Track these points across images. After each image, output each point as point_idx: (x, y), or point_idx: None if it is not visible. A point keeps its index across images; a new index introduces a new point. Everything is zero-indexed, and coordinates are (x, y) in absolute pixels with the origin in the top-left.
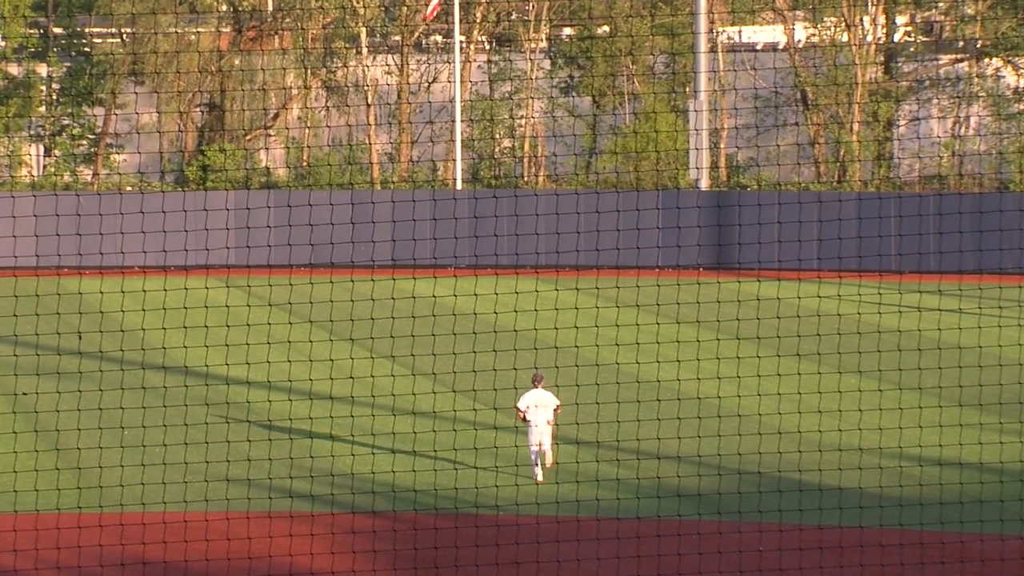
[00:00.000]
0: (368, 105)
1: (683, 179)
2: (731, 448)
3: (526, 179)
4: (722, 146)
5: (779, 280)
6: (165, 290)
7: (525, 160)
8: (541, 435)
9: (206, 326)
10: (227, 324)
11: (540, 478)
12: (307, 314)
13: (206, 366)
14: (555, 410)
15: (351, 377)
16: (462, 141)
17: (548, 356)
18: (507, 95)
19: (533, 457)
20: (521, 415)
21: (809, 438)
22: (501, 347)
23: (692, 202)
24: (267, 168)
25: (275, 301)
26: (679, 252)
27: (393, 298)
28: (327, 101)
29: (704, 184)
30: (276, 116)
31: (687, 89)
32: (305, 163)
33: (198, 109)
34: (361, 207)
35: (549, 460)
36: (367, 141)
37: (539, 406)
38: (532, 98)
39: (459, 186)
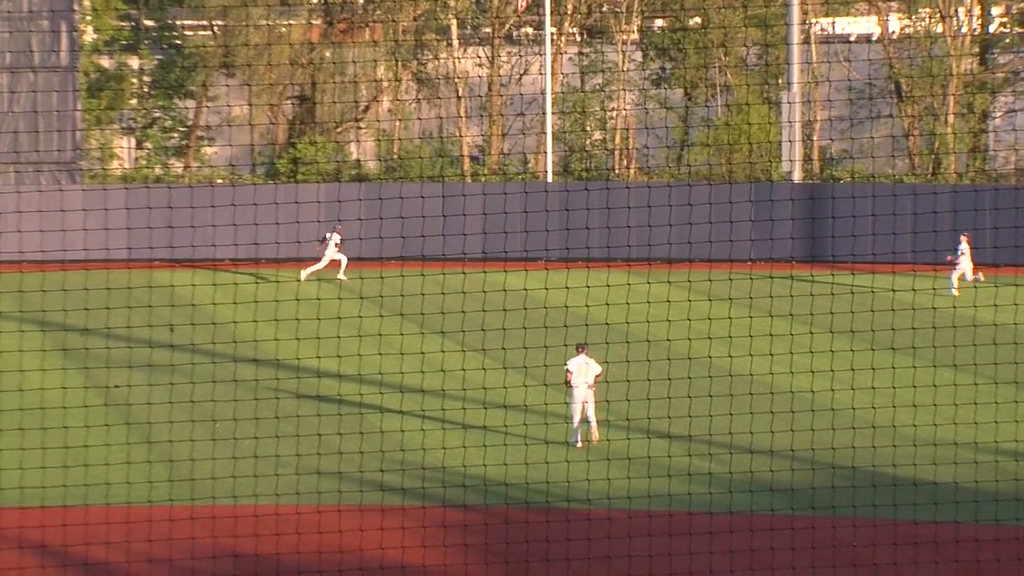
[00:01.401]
0: (459, 97)
1: (776, 171)
2: (824, 443)
3: (617, 172)
4: (815, 138)
5: (873, 273)
6: (256, 283)
7: (616, 152)
8: (584, 398)
9: (297, 319)
10: (318, 317)
11: (580, 444)
12: (398, 307)
13: (297, 359)
14: (596, 376)
15: (442, 370)
16: (553, 133)
17: (640, 349)
18: (598, 87)
19: (575, 420)
20: (569, 376)
21: (903, 432)
22: (593, 340)
23: (785, 195)
24: (358, 161)
25: (366, 294)
26: (772, 245)
27: (484, 291)
28: (417, 93)
29: (797, 176)
30: (367, 109)
31: (780, 80)
32: (396, 156)
33: (289, 102)
34: (452, 200)
35: (595, 436)
36: (458, 134)
37: (583, 371)
38: (623, 90)
39: (550, 179)
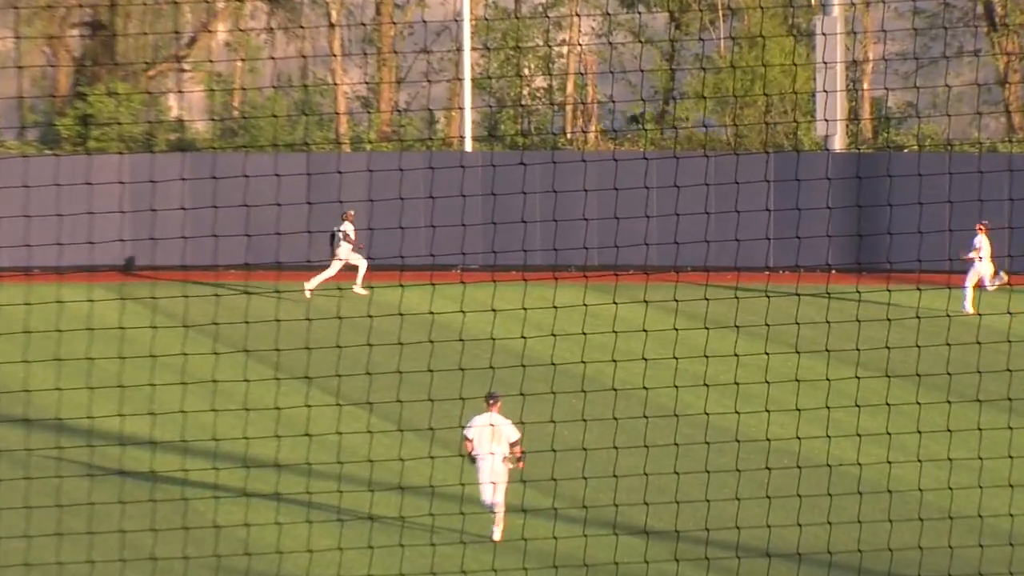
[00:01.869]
0: (331, 25)
1: (806, 136)
2: (878, 539)
3: (570, 136)
4: (865, 86)
5: (949, 288)
6: (28, 304)
7: (568, 108)
8: (495, 476)
9: (90, 358)
10: (121, 356)
11: (498, 536)
12: (241, 340)
13: (89, 418)
14: (512, 446)
15: (307, 434)
16: (473, 80)
17: (602, 402)
18: (539, 9)
19: (488, 504)
20: (469, 447)
21: (995, 525)
22: (532, 388)
23: (819, 170)
24: (180, 120)
25: (192, 321)
26: (799, 247)
27: (370, 316)
28: (269, 19)
29: (838, 143)
30: (193, 42)
31: (812, 1)
32: (237, 112)
33: (76, 32)
34: (322, 179)
35: (500, 524)
36: (330, 80)
37: (492, 436)
38: (578, 15)
39: (469, 147)
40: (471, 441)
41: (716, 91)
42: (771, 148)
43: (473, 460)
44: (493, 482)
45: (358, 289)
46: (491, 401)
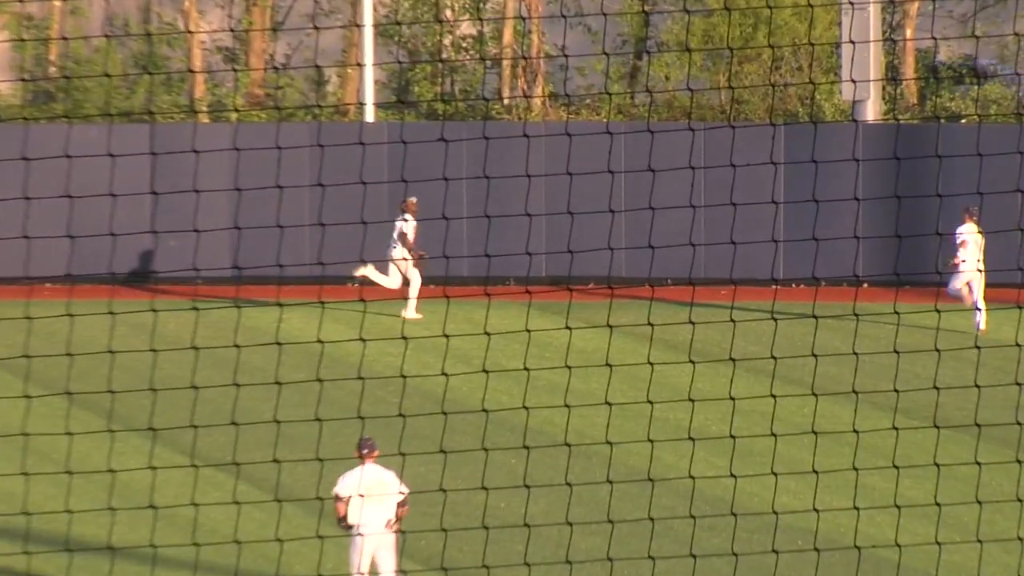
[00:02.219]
0: None
1: (828, 102)
2: None
3: (507, 101)
4: (908, 34)
5: (1020, 308)
6: None
7: (505, 65)
8: (375, 549)
9: None
10: None
11: None
12: (62, 379)
13: None
14: (398, 506)
15: (151, 507)
16: (376, 26)
17: (553, 459)
18: None
19: None
20: (341, 511)
21: None
22: (456, 443)
23: (846, 149)
24: None
25: None
26: (818, 251)
27: (236, 347)
28: None
29: (871, 112)
30: None
31: None
32: (55, 70)
33: None
34: (171, 160)
35: None
36: (181, 26)
37: (371, 495)
38: None
39: (370, 116)
40: (344, 503)
41: (706, 41)
42: (780, 118)
43: (348, 529)
44: (373, 561)
45: (408, 314)
46: (365, 451)
